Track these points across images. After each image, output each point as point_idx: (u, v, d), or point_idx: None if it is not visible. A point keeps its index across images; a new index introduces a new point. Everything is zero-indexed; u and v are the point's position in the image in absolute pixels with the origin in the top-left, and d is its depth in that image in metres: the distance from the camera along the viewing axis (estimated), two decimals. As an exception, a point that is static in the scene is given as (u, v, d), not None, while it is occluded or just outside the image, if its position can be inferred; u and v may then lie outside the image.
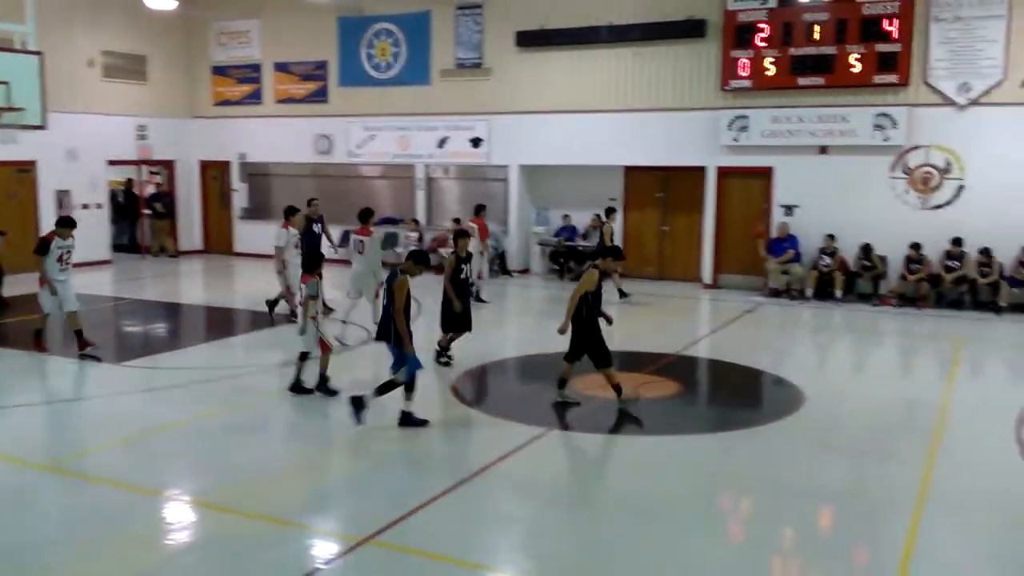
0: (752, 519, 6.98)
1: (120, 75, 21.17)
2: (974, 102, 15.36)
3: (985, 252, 15.19)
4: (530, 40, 18.74)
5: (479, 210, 16.52)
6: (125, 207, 23.10)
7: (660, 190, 18.49)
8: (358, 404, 8.47)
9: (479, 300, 15.32)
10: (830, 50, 15.97)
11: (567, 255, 18.90)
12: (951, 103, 15.51)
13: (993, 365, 12.72)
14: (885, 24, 15.54)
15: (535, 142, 18.91)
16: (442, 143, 20.06)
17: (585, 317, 9.00)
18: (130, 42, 21.36)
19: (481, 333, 13.95)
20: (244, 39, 22.21)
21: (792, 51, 16.26)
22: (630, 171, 18.61)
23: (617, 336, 14.28)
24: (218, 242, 23.21)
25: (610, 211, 16.51)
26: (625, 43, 17.89)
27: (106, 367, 10.98)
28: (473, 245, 15.89)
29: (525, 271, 19.66)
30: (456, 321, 10.95)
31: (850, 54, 15.83)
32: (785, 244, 16.49)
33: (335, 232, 21.02)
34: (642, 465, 7.88)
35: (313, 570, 5.77)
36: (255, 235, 21.89)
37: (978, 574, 5.84)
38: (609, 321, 9.41)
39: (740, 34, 16.62)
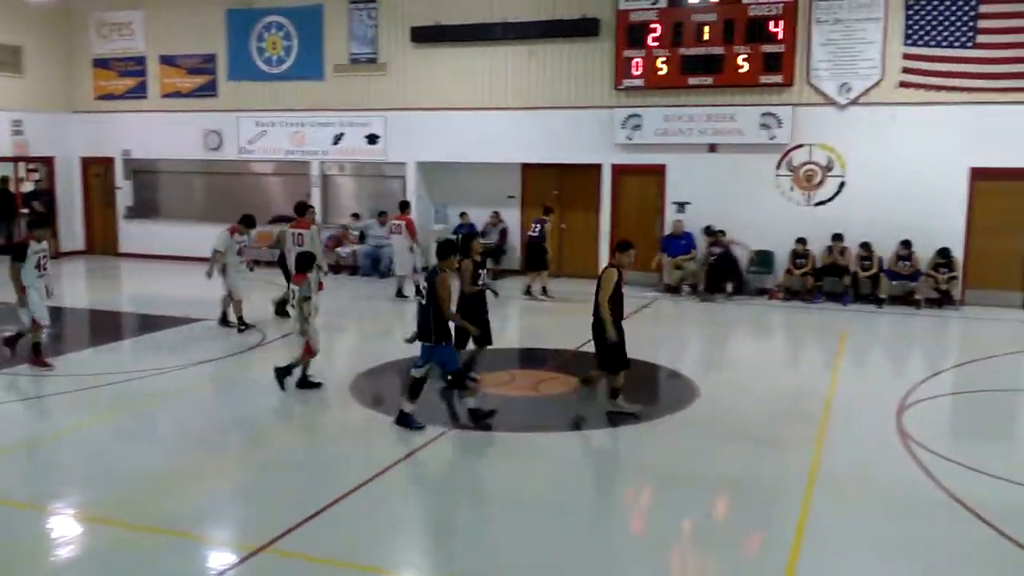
0: (651, 510, 7.11)
1: (-8, 67, 20.09)
2: (854, 102, 16.03)
3: (865, 247, 15.87)
4: (425, 36, 18.61)
5: (404, 207, 16.41)
6: (0, 206, 21.90)
7: (557, 187, 18.64)
8: (404, 422, 8.40)
9: (400, 296, 15.65)
10: (718, 50, 16.40)
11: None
12: (832, 103, 16.14)
13: (875, 355, 13.31)
14: (770, 25, 16.05)
15: (432, 139, 18.81)
16: (337, 139, 19.74)
17: (595, 322, 8.82)
18: (4, 32, 20.26)
19: (379, 333, 13.82)
20: (127, 31, 21.33)
21: (682, 51, 16.62)
22: (527, 168, 18.72)
23: (517, 334, 14.44)
24: (102, 243, 22.26)
25: (548, 211, 16.59)
26: (520, 40, 17.95)
27: (-20, 376, 10.38)
28: (400, 242, 15.84)
29: (425, 269, 19.47)
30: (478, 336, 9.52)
31: (737, 55, 16.30)
32: (681, 242, 16.85)
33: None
34: (541, 462, 7.92)
35: (206, 582, 5.58)
36: (141, 235, 21.10)
37: (863, 555, 6.08)
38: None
39: (632, 34, 16.89)
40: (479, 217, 18.99)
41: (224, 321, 13.04)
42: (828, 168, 16.38)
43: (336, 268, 18.58)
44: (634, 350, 11.94)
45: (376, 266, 18.62)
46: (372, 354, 11.81)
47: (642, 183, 17.72)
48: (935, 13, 15.36)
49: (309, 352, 9.61)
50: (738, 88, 16.48)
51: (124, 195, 21.86)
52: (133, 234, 21.63)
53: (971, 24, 15.19)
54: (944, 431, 9.21)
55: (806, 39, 16.12)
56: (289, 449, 8.16)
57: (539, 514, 6.67)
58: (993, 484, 7.25)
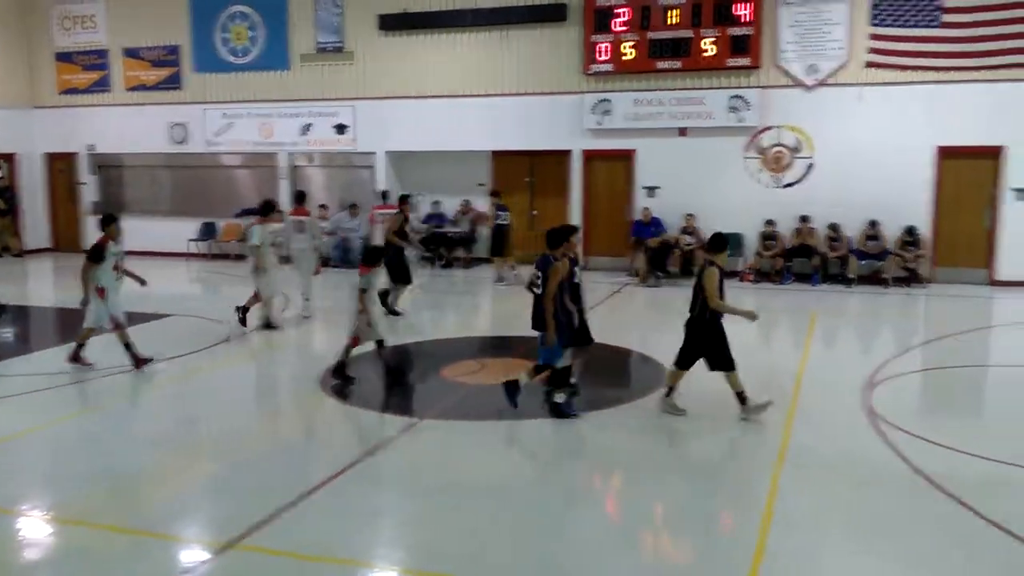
0: (624, 494, 7.13)
1: (-50, 62, 19.72)
2: (821, 83, 16.12)
3: (833, 227, 15.98)
4: (393, 24, 18.49)
5: (300, 198, 16.11)
6: (-38, 204, 21.57)
7: (528, 174, 18.61)
8: (512, 389, 8.43)
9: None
10: (686, 34, 16.42)
11: (438, 242, 18.80)
12: (800, 84, 16.22)
13: (845, 334, 13.42)
14: (737, 8, 16.08)
15: (402, 128, 18.71)
16: (305, 130, 19.59)
17: (709, 319, 8.33)
18: (-40, 27, 19.92)
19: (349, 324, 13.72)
20: (89, 23, 21.02)
21: (650, 35, 16.63)
22: (497, 156, 18.66)
23: (490, 321, 14.43)
24: (67, 239, 21.99)
25: (496, 194, 16.67)
26: (489, 27, 17.90)
27: (-57, 377, 10.20)
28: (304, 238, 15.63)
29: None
30: (578, 336, 8.73)
31: (705, 38, 16.32)
32: (650, 228, 16.88)
33: (196, 223, 20.34)
34: (515, 449, 7.93)
35: (175, 580, 5.53)
36: (109, 230, 20.82)
37: (831, 532, 6.14)
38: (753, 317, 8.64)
39: (600, 18, 16.87)
40: (450, 206, 18.92)
41: (268, 324, 12.36)
42: (796, 150, 16.47)
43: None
44: (605, 335, 12.01)
45: (347, 257, 18.51)
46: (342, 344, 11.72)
47: (612, 168, 17.74)
48: (900, -7, 15.46)
49: (355, 343, 9.54)
50: (706, 71, 16.52)
51: (89, 191, 21.58)
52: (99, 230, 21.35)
53: (936, 4, 15.29)
54: (911, 408, 9.30)
55: (773, 21, 16.16)
56: (259, 444, 8.09)
57: (513, 501, 6.66)
58: (956, 458, 7.34)
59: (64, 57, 21.33)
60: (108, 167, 21.56)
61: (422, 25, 18.29)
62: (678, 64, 16.56)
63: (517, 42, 17.79)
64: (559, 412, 8.49)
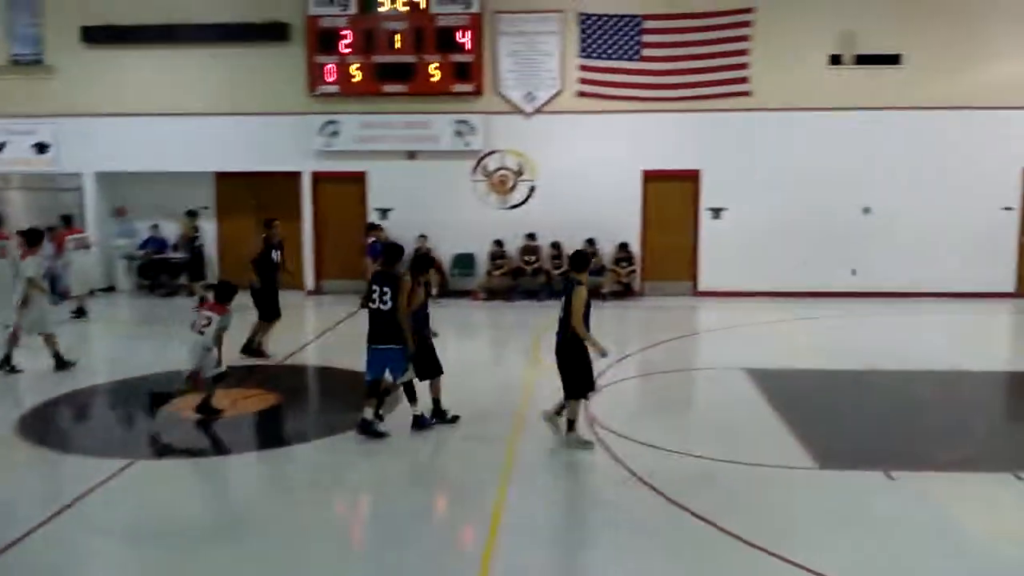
0: (359, 518, 7.05)
1: None
2: (539, 110, 16.98)
3: (556, 246, 16.87)
4: (99, 37, 17.23)
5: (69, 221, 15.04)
6: None
7: (254, 197, 17.99)
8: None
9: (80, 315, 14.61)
10: (410, 59, 16.68)
11: (158, 268, 17.68)
12: (520, 111, 17.00)
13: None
14: (458, 36, 16.59)
15: (113, 147, 17.41)
16: (0, 149, 17.72)
17: (571, 339, 8.04)
18: None
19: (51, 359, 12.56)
20: None
21: (375, 58, 16.72)
22: (221, 177, 17.89)
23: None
24: None
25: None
26: (206, 43, 17.16)
27: None
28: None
29: (111, 289, 18.05)
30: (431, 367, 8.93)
31: (429, 63, 16.67)
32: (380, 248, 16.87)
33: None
34: (244, 484, 7.58)
35: None
36: None
37: (553, 538, 6.42)
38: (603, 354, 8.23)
39: (324, 40, 16.73)
40: (172, 230, 17.89)
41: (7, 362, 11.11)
42: (519, 173, 17.22)
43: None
44: (340, 359, 11.86)
45: (53, 287, 16.90)
46: (50, 385, 10.67)
47: (343, 190, 17.60)
48: (605, 28, 16.65)
49: (198, 383, 8.92)
50: (431, 96, 16.86)
51: None
52: None
53: (637, 39, 16.64)
54: (626, 412, 9.93)
55: (493, 50, 16.83)
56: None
57: (247, 540, 6.36)
58: (667, 457, 7.96)
59: None
60: None
61: (132, 39, 17.18)
62: (404, 88, 16.79)
63: (238, 60, 17.19)
64: (369, 430, 8.42)
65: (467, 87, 16.75)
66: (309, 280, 17.79)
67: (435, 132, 16.96)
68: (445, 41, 16.61)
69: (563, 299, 8.14)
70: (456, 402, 9.92)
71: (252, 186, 17.90)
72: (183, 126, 17.31)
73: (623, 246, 16.85)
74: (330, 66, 16.79)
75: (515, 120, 17.11)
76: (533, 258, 16.88)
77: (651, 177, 17.06)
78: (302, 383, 11.44)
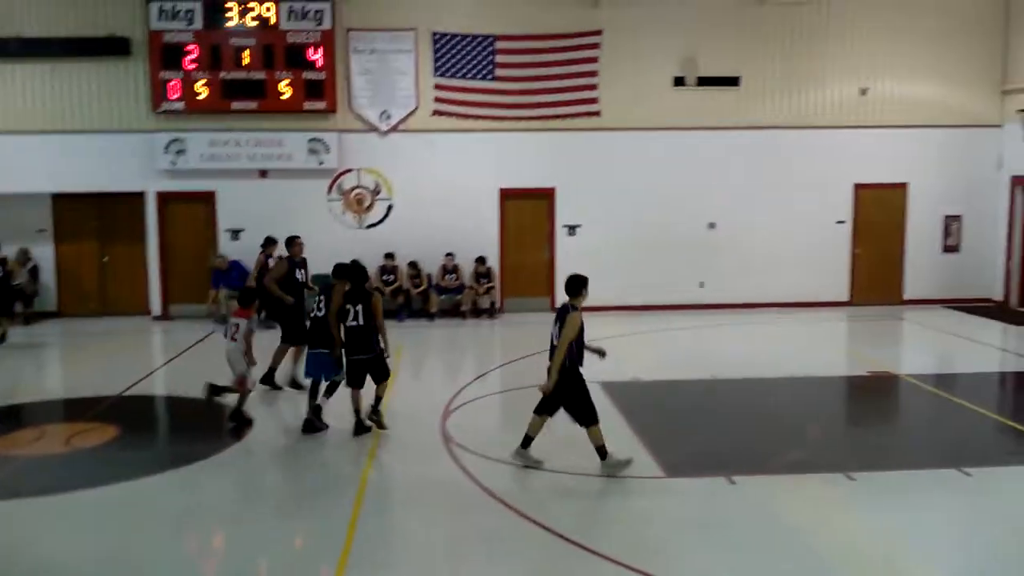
0: (219, 550, 6.79)
1: None
2: (394, 129, 16.91)
3: (413, 265, 16.79)
4: (-82, 49, 16.03)
5: None
6: None
7: (96, 218, 17.10)
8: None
9: None
10: (260, 75, 16.29)
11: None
12: (375, 129, 16.88)
13: (428, 366, 14.10)
14: (309, 53, 16.32)
15: (-70, 167, 16.19)
16: None
17: (569, 367, 7.90)
18: None
19: None
20: None
21: (223, 75, 16.24)
22: (58, 198, 16.91)
23: (49, 384, 12.90)
24: None
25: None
26: (40, 58, 16.24)
27: None
28: None
29: None
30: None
31: (280, 80, 16.33)
32: (233, 274, 16.32)
33: None
34: (83, 523, 7.13)
35: None
36: None
37: (407, 554, 6.36)
38: (602, 354, 8.41)
39: (168, 55, 16.12)
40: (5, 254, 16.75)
41: None
42: (376, 192, 17.07)
43: None
44: (187, 386, 11.39)
45: None
46: None
47: (192, 210, 16.98)
48: (459, 48, 16.77)
49: (244, 386, 9.51)
50: (283, 114, 16.52)
51: None
52: None
53: (490, 59, 16.83)
54: (480, 430, 9.95)
55: (345, 68, 16.66)
56: None
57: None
58: (521, 473, 8.03)
59: None
60: None
61: (-43, 52, 16.10)
62: (254, 105, 16.37)
63: (76, 76, 16.34)
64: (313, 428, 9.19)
65: (320, 104, 16.49)
66: (156, 305, 17.04)
67: (288, 150, 16.61)
68: (296, 58, 16.31)
69: (556, 325, 8.02)
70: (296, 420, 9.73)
71: (93, 207, 17.02)
72: (15, 145, 16.30)
73: (481, 260, 16.95)
74: (174, 82, 16.19)
75: (371, 138, 16.97)
76: (392, 277, 16.75)
77: (508, 195, 17.25)
78: (144, 414, 10.89)
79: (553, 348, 8.01)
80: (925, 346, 14.73)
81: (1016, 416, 10.16)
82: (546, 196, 17.38)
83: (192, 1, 16.05)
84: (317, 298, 9.62)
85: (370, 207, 17.12)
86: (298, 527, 7.03)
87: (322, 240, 16.70)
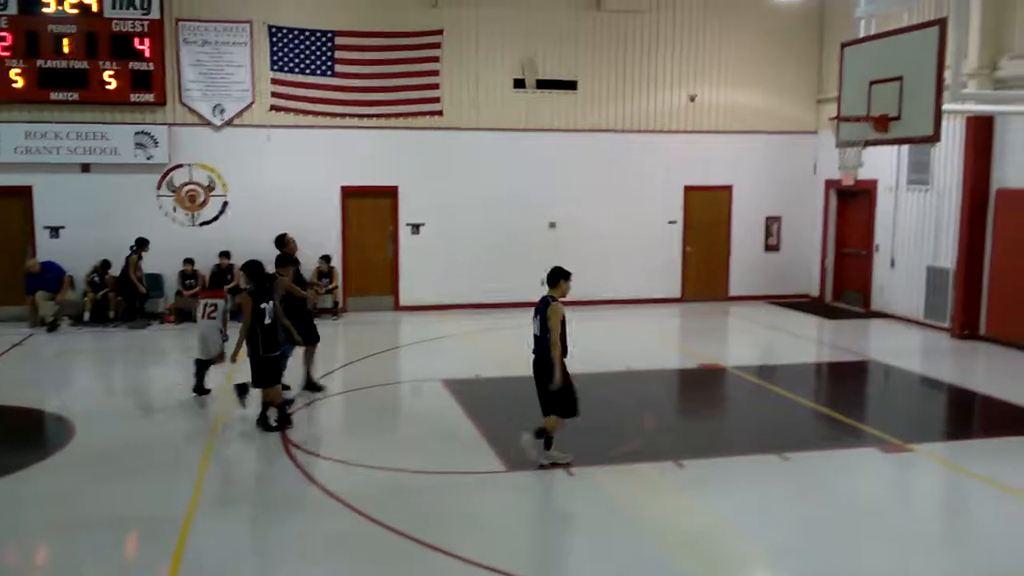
0: (46, 565, 6.36)
1: None
2: (229, 123, 16.35)
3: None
4: None
5: None
6: None
7: None
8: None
9: None
10: (82, 64, 15.38)
11: None
12: (208, 123, 16.26)
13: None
14: (136, 43, 15.55)
15: None
16: None
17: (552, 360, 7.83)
18: None
19: None
20: None
21: (40, 63, 15.24)
22: None
23: None
24: None
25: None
26: None
27: None
28: None
29: None
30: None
31: (104, 71, 15.48)
32: (48, 276, 15.34)
33: None
34: None
35: None
36: None
37: (243, 564, 6.19)
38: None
39: (-24, 40, 14.98)
40: None
41: None
42: (211, 188, 16.47)
43: None
44: (3, 394, 10.65)
45: None
46: None
47: (5, 207, 15.83)
48: (297, 43, 16.41)
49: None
50: (108, 105, 15.67)
51: None
52: None
53: (330, 55, 16.55)
54: (323, 430, 9.83)
55: (175, 59, 15.97)
56: None
57: None
58: (363, 473, 7.96)
59: None
60: None
61: None
62: (75, 96, 15.43)
63: None
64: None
65: (148, 96, 15.73)
66: (-35, 308, 15.80)
67: (113, 143, 15.75)
68: (121, 48, 15.49)
69: (537, 318, 7.89)
70: (141, 433, 9.35)
71: None
72: None
73: (326, 259, 16.65)
74: (-15, 70, 15.07)
75: (204, 133, 16.34)
76: (229, 276, 16.19)
77: (350, 193, 17.03)
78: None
79: (537, 340, 7.95)
80: (749, 339, 15.61)
81: (831, 404, 10.95)
82: (389, 194, 17.28)
83: (5, -17, 15.00)
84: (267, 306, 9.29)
85: (204, 204, 16.50)
86: (127, 537, 6.71)
87: (153, 237, 16.03)
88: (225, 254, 16.17)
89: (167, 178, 16.24)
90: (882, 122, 10.44)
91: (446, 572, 6.03)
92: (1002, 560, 6.36)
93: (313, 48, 16.52)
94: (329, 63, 16.57)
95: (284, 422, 9.25)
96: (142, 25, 15.56)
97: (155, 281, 16.18)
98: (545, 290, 8.14)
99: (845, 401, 11.26)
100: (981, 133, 14.38)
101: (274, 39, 16.34)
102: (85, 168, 15.83)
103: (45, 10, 15.19)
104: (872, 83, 10.66)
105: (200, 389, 10.68)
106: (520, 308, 17.14)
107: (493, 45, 17.31)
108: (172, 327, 15.59)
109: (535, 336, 8.05)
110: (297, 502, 7.37)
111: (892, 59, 10.47)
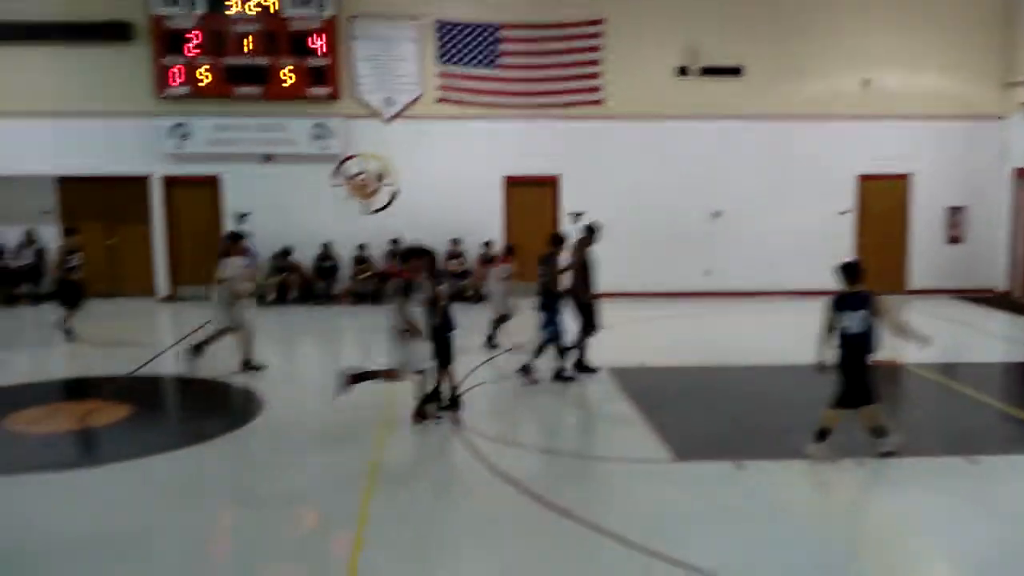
0: (222, 532, 6.82)
1: None
2: (398, 115, 16.92)
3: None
4: (-71, 33, 16.03)
5: None
6: None
7: (102, 201, 17.13)
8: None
9: None
10: (264, 61, 16.30)
11: (-4, 277, 16.56)
12: (378, 115, 16.88)
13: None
14: (312, 40, 16.33)
15: (-60, 150, 16.22)
16: None
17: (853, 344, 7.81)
18: None
19: None
20: None
21: (226, 61, 16.26)
22: (64, 181, 16.94)
23: (68, 362, 12.93)
24: None
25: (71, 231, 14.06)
26: (45, 42, 16.25)
27: None
28: None
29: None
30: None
31: (283, 67, 16.34)
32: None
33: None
34: (95, 499, 7.18)
35: None
36: None
37: (421, 540, 6.42)
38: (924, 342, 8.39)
39: (170, 41, 16.14)
40: (10, 236, 16.83)
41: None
42: (381, 177, 17.10)
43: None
44: (198, 367, 11.45)
45: None
46: None
47: (197, 194, 17.01)
48: (462, 36, 16.77)
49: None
50: (287, 100, 16.53)
51: None
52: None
53: (494, 47, 16.83)
54: (492, 413, 10.02)
55: (349, 54, 16.66)
56: None
57: (101, 557, 6.04)
58: (532, 456, 8.08)
59: None
60: None
61: (-39, 36, 16.11)
62: (257, 91, 16.38)
63: (77, 61, 16.37)
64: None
65: (323, 91, 16.52)
66: (163, 286, 17.10)
67: (292, 135, 16.65)
68: (298, 45, 16.34)
69: (857, 311, 7.81)
70: (320, 410, 9.79)
71: (98, 190, 17.04)
72: (21, 128, 16.32)
73: (488, 245, 16.98)
74: (176, 68, 16.20)
75: (374, 124, 16.98)
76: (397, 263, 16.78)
77: (512, 182, 17.28)
78: (155, 394, 10.94)
79: (854, 336, 7.79)
80: (930, 335, 14.73)
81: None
82: (550, 184, 17.41)
83: (193, -12, 16.08)
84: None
85: (374, 192, 17.14)
86: (307, 509, 7.07)
87: (328, 224, 16.87)
88: (394, 240, 16.77)
89: (341, 168, 16.98)
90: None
91: (622, 560, 6.03)
92: None
93: (479, 41, 16.84)
94: (494, 56, 16.84)
95: (454, 404, 9.49)
96: (316, 23, 16.31)
97: (332, 267, 16.96)
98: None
99: (1039, 403, 10.49)
100: None
101: (441, 33, 16.76)
102: (268, 158, 16.78)
103: (228, 12, 16.18)
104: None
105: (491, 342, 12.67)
106: (682, 298, 16.97)
107: (655, 32, 17.11)
108: (347, 308, 16.31)
109: (846, 333, 7.84)
110: (469, 482, 7.55)
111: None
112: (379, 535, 6.40)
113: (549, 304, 10.83)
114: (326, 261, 16.83)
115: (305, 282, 16.76)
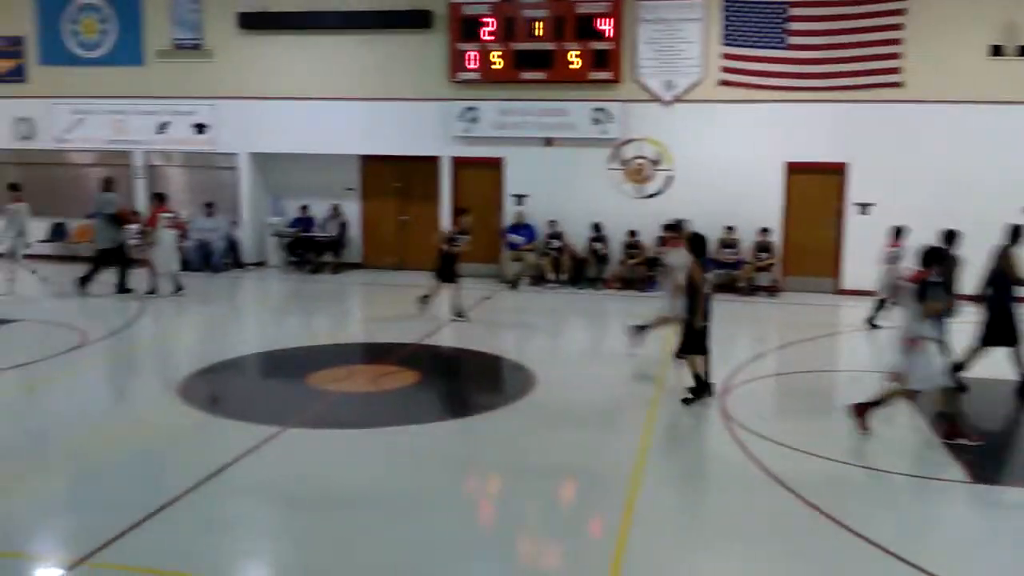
0: (490, 499, 7.21)
1: None
2: (678, 99, 16.74)
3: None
4: (254, 22, 18.04)
5: (161, 199, 15.60)
6: None
7: (397, 180, 18.51)
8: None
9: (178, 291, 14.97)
10: (550, 46, 16.75)
11: (306, 246, 18.42)
12: (658, 99, 16.81)
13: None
14: (598, 23, 16.53)
15: (266, 129, 18.24)
16: (162, 128, 18.85)
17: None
18: None
19: (211, 330, 13.37)
20: (-77, 10, 19.56)
21: (515, 46, 16.88)
22: (366, 160, 18.48)
23: (360, 328, 14.23)
24: None
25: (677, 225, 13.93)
26: (353, 30, 17.74)
27: None
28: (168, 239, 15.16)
29: (261, 264, 18.95)
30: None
31: (568, 51, 16.70)
32: (521, 232, 17.11)
33: (45, 224, 19.15)
34: (383, 457, 7.87)
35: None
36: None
37: (688, 531, 6.41)
38: None
39: (466, 27, 17.00)
40: (319, 210, 18.63)
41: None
42: (656, 162, 17.04)
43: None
44: (475, 341, 12.11)
45: (209, 260, 18.01)
46: (204, 353, 11.36)
47: (481, 175, 17.87)
48: (750, 15, 16.24)
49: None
50: (569, 83, 16.88)
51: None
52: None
53: (782, 26, 16.15)
54: (762, 411, 9.74)
55: (632, 38, 16.70)
56: (112, 456, 7.73)
57: (383, 511, 6.62)
58: (802, 458, 7.78)
59: None
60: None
61: (284, 25, 17.93)
62: (542, 75, 16.87)
63: (383, 47, 17.69)
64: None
65: (605, 75, 16.68)
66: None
67: (572, 119, 16.99)
68: (585, 29, 16.59)
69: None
70: (590, 391, 9.98)
71: (394, 169, 18.42)
72: (331, 110, 17.95)
73: (764, 231, 16.42)
74: (472, 53, 17.05)
75: (653, 108, 16.92)
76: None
77: (794, 169, 16.55)
78: (440, 363, 11.69)
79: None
80: None
81: None
82: (836, 171, 16.49)
83: (491, -26, 16.80)
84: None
85: (649, 177, 17.13)
86: (574, 490, 7.27)
87: (601, 207, 17.07)
88: (676, 223, 16.61)
89: (618, 152, 17.12)
90: None
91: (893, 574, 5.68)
92: None
93: (766, 20, 16.22)
94: (781, 34, 16.17)
95: (703, 391, 9.34)
96: (604, 7, 16.48)
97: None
98: None
99: None
100: None
101: (727, 13, 16.32)
102: (548, 142, 17.28)
103: (519, -3, 16.79)
104: None
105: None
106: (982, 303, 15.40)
107: (965, 8, 15.56)
108: (614, 293, 16.49)
109: None
110: (737, 478, 7.41)
111: None
112: (647, 521, 6.46)
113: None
114: (597, 243, 17.07)
115: (577, 263, 17.11)
